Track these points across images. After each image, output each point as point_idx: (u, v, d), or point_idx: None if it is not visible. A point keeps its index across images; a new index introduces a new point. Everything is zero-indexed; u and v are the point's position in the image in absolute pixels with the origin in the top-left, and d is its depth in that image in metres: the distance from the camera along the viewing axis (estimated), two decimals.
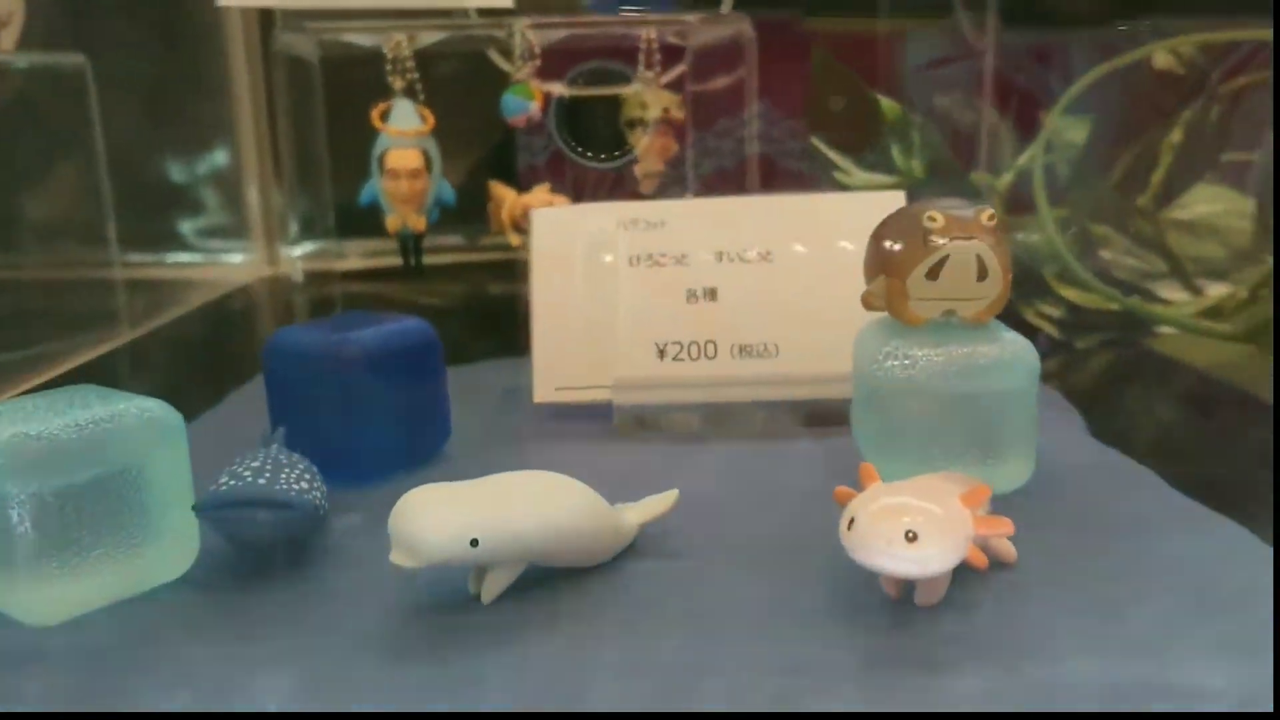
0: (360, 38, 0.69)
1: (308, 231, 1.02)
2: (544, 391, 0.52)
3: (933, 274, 0.39)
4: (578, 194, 0.77)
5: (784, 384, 0.51)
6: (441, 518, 0.32)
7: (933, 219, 0.39)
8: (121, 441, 0.34)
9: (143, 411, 0.35)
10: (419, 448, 0.47)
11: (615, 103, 0.74)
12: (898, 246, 0.40)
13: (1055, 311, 0.67)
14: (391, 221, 0.68)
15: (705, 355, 0.52)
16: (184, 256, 1.01)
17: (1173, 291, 0.76)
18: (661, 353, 0.52)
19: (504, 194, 0.71)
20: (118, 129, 0.81)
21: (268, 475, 0.36)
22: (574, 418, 0.52)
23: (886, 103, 0.62)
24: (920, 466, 0.41)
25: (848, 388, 0.50)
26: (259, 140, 1.04)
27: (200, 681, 0.30)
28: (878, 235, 0.42)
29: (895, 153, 0.62)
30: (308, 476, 0.37)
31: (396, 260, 0.72)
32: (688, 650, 0.31)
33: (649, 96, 0.69)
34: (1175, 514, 0.40)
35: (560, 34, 0.71)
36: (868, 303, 0.43)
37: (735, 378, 0.52)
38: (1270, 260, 0.73)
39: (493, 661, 0.31)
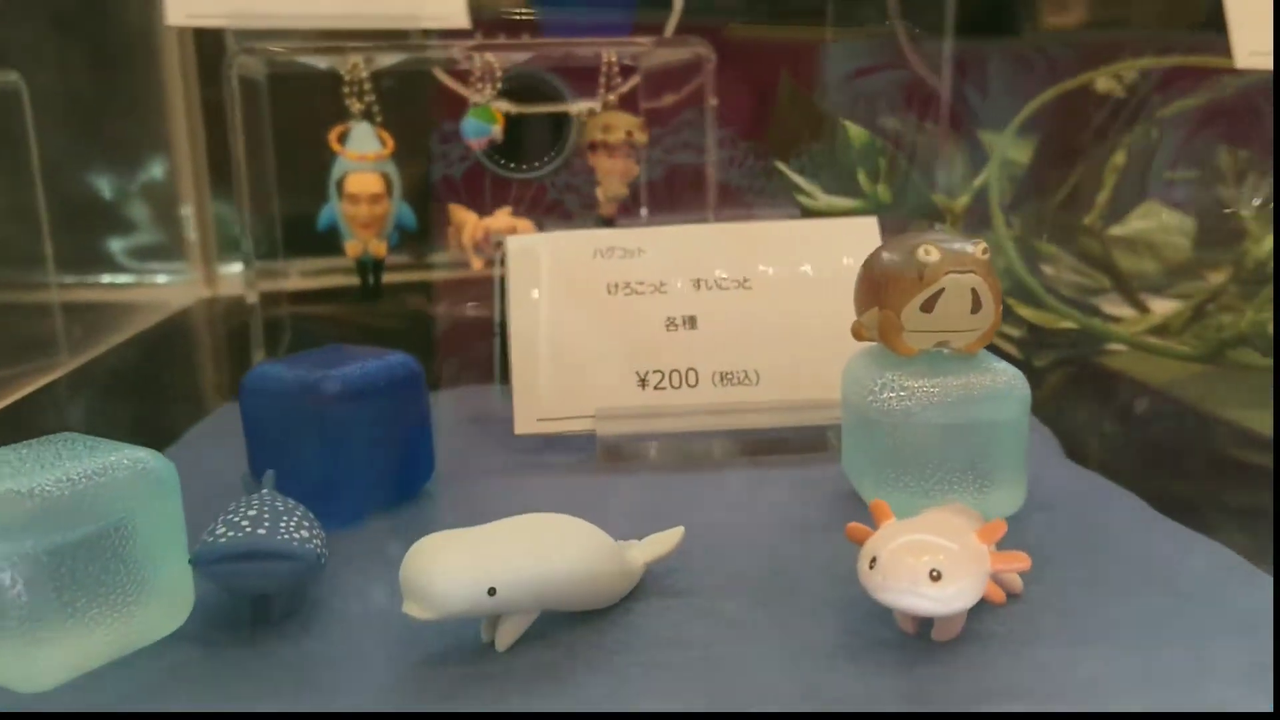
0: (316, 59, 0.67)
1: (255, 252, 1.00)
2: (525, 423, 0.52)
3: (928, 306, 0.40)
4: (496, 207, 0.77)
5: (766, 411, 0.52)
6: (457, 567, 0.32)
7: (928, 252, 0.39)
8: (114, 495, 0.33)
9: (135, 463, 0.33)
10: (404, 485, 0.46)
11: (551, 99, 0.74)
12: (892, 279, 0.40)
13: (1015, 331, 0.68)
14: (352, 247, 0.67)
15: (687, 384, 0.52)
16: (118, 278, 0.98)
17: (1114, 307, 0.78)
18: (643, 382, 0.52)
19: (465, 217, 0.70)
20: (47, 147, 0.78)
21: (266, 525, 0.35)
22: (553, 449, 0.52)
23: (854, 129, 0.63)
24: (915, 496, 0.41)
25: (829, 414, 0.50)
26: (195, 158, 1.01)
27: None
28: (871, 267, 0.42)
29: (861, 177, 0.63)
30: (306, 524, 0.36)
31: (341, 280, 0.70)
32: (712, 693, 0.31)
33: (612, 119, 0.69)
34: (1161, 537, 0.41)
35: (521, 55, 0.70)
36: (858, 334, 0.44)
37: (717, 405, 0.52)
38: (1214, 278, 0.76)
39: (519, 712, 0.30)
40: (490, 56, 0.69)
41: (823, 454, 0.51)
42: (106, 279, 0.95)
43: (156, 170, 1.00)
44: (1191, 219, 0.82)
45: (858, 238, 0.55)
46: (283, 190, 0.81)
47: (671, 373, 0.52)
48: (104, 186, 0.98)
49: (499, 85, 0.69)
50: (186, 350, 0.85)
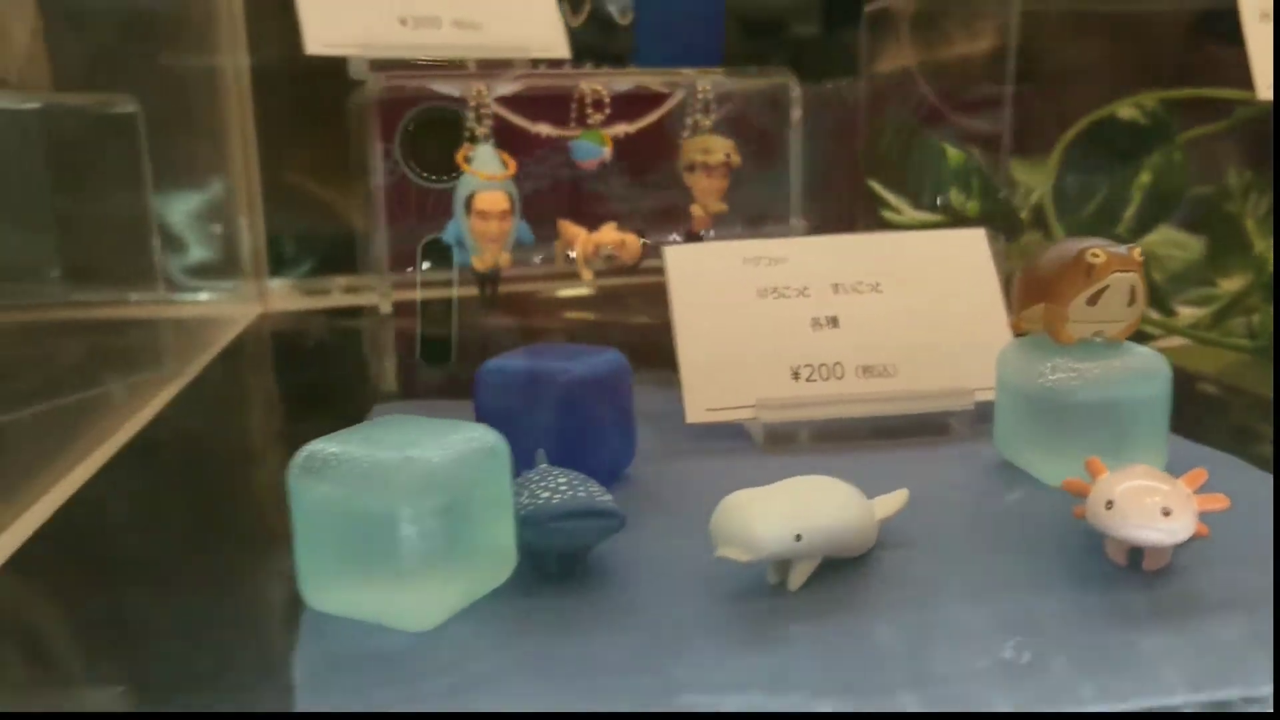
0: (446, 86, 0.73)
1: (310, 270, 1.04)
2: (695, 413, 0.58)
3: (1093, 300, 0.47)
4: (420, 214, 0.82)
5: (904, 400, 0.59)
6: (772, 516, 0.38)
7: (1096, 255, 0.47)
8: (475, 462, 0.38)
9: (483, 436, 0.39)
10: (615, 465, 0.52)
11: (454, 127, 0.79)
12: (1062, 277, 0.48)
13: None
14: (481, 260, 0.72)
15: (834, 376, 0.59)
16: (184, 295, 1.01)
17: None
18: (795, 375, 0.59)
19: (575, 232, 0.76)
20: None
21: (580, 489, 0.40)
22: (704, 435, 0.58)
23: (952, 150, 0.71)
24: (1077, 463, 0.48)
25: (957, 401, 0.58)
26: (248, 175, 1.05)
27: (607, 671, 0.35)
28: (1037, 268, 0.49)
29: (954, 194, 0.71)
30: (603, 488, 0.42)
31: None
32: (978, 615, 0.38)
33: (711, 142, 0.76)
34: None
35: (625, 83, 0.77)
36: (1017, 328, 0.51)
37: (861, 395, 0.59)
38: (1226, 285, 0.85)
39: (847, 632, 0.37)
40: (598, 84, 0.76)
41: (947, 436, 0.58)
42: (185, 296, 0.98)
43: (215, 188, 1.04)
44: (1188, 235, 0.92)
45: (965, 246, 0.63)
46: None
47: (820, 366, 0.59)
48: (166, 204, 1.01)
49: (607, 111, 0.75)
50: (296, 360, 0.88)
